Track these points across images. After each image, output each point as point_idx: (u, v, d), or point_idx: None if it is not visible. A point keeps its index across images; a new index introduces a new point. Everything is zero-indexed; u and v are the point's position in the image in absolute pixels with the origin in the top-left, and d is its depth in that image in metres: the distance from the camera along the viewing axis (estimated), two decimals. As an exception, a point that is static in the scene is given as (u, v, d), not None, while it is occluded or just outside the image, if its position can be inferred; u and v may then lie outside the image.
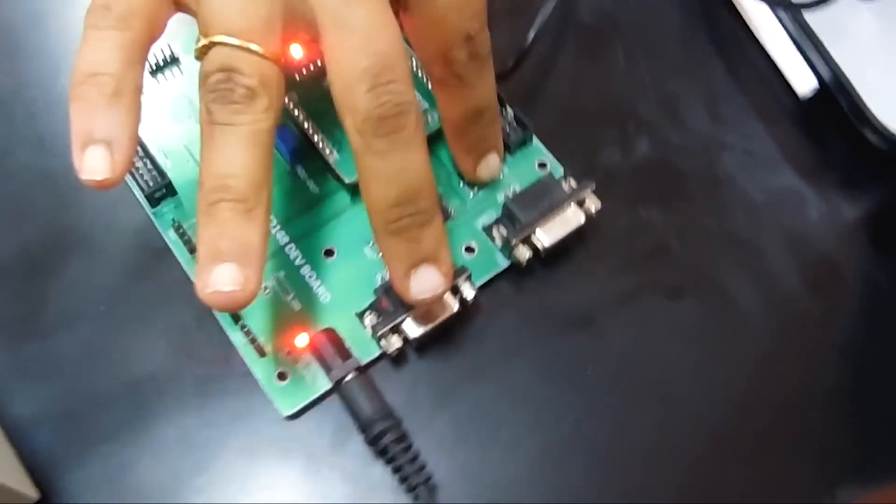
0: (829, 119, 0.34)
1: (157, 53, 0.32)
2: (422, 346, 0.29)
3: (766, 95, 0.34)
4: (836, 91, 0.33)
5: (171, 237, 0.30)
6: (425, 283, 0.26)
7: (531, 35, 0.31)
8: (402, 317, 0.27)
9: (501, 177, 0.31)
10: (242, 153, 0.23)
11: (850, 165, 0.33)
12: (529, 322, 0.30)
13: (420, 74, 0.31)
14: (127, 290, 0.29)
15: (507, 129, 0.31)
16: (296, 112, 0.30)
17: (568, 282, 0.30)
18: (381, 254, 0.27)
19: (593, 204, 0.30)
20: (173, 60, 0.33)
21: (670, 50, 0.35)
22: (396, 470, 0.26)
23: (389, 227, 0.25)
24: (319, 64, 0.31)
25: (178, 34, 0.33)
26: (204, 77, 0.24)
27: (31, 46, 0.34)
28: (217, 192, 0.23)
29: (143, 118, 0.31)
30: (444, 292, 0.27)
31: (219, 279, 0.23)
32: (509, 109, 0.31)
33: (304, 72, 0.31)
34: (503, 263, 0.30)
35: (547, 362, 0.29)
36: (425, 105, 0.31)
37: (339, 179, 0.30)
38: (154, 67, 0.32)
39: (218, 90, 0.23)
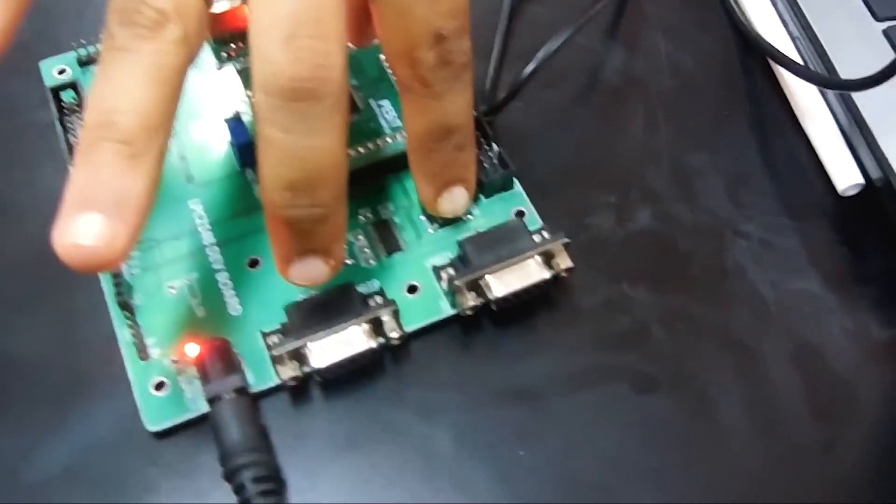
0: (871, 224, 0.29)
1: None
2: (329, 384, 0.25)
3: (800, 186, 0.30)
4: (883, 193, 0.28)
5: (89, 216, 0.27)
6: (307, 272, 0.23)
7: (529, 69, 0.28)
8: (306, 341, 0.23)
9: (470, 217, 0.27)
10: (137, 87, 0.20)
11: (889, 280, 0.28)
12: (462, 382, 0.25)
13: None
14: (24, 265, 0.27)
15: (488, 168, 0.28)
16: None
17: (520, 348, 0.26)
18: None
19: (563, 262, 0.25)
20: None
21: (698, 122, 0.31)
22: (249, 516, 0.22)
23: (277, 212, 0.22)
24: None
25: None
26: None
27: None
28: (100, 129, 0.20)
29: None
30: (327, 281, 0.24)
31: (80, 230, 0.19)
32: (495, 147, 0.28)
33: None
34: (448, 311, 0.26)
35: (472, 432, 0.24)
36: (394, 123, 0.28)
37: (281, 184, 0.27)
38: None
39: (124, 10, 0.20)
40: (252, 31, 0.21)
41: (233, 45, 0.31)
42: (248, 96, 0.28)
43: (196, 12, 0.21)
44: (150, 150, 0.20)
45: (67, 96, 0.29)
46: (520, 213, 0.28)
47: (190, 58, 0.21)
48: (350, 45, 0.28)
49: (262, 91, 0.21)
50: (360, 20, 0.25)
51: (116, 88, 0.20)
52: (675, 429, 0.25)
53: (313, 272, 0.23)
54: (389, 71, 0.29)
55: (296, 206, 0.21)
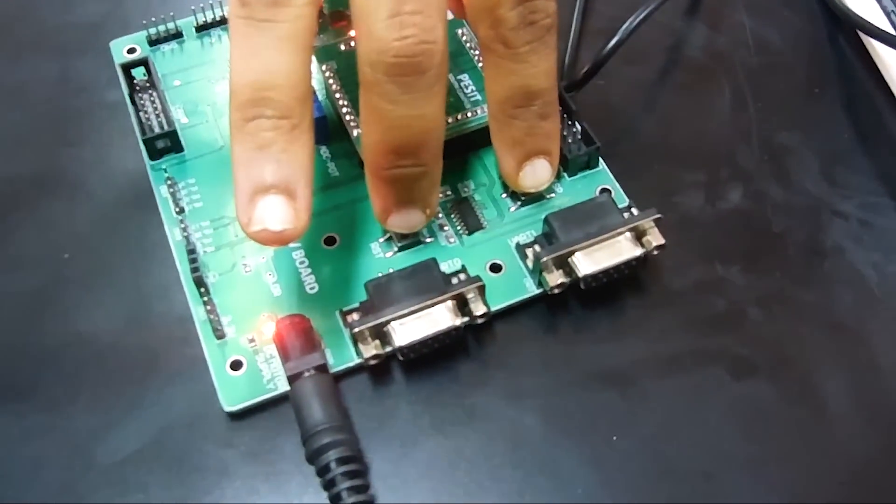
0: (979, 203, 0.27)
1: (206, 12, 0.30)
2: (411, 365, 0.24)
3: (900, 164, 0.28)
4: None
5: (161, 194, 0.27)
6: (406, 221, 0.24)
7: (611, 44, 0.27)
8: (389, 318, 0.23)
9: (553, 195, 0.27)
10: (284, 58, 0.20)
11: None
12: (550, 364, 0.24)
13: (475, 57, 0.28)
14: (98, 241, 0.26)
15: (572, 144, 0.27)
16: (330, 81, 0.27)
17: (609, 328, 0.25)
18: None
19: (655, 239, 0.24)
20: (223, 21, 0.30)
21: (788, 100, 0.30)
22: (334, 500, 0.21)
23: (381, 172, 0.22)
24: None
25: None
26: None
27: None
28: (255, 107, 0.20)
29: (174, 71, 0.29)
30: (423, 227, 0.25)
31: (265, 216, 0.20)
32: (578, 124, 0.27)
33: (351, 45, 0.28)
34: (532, 291, 0.25)
35: (563, 416, 0.23)
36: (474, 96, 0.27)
37: (359, 159, 0.26)
38: (200, 24, 0.30)
39: None
40: (356, 9, 0.21)
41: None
42: (324, 72, 0.27)
43: None
44: (305, 117, 0.21)
45: (138, 73, 0.28)
46: (605, 191, 0.27)
47: (316, 18, 0.21)
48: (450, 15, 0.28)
49: (370, 66, 0.21)
50: None
51: (263, 61, 0.20)
52: (776, 416, 0.24)
53: (413, 220, 0.24)
54: (468, 45, 0.28)
55: (400, 167, 0.22)
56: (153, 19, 0.30)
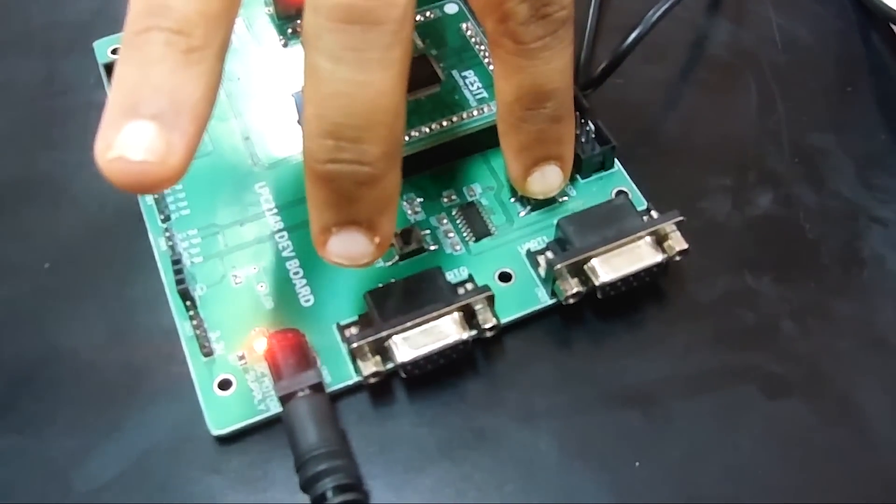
0: None
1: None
2: (414, 382, 0.22)
3: (943, 168, 0.27)
4: None
5: (145, 201, 0.25)
6: (346, 248, 0.20)
7: (629, 40, 0.26)
8: (390, 331, 0.21)
9: (566, 199, 0.25)
10: None
11: None
12: (565, 382, 0.23)
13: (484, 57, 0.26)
14: (80, 251, 0.25)
15: (585, 144, 0.25)
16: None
17: (629, 343, 0.23)
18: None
19: (677, 244, 0.23)
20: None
21: (819, 99, 0.29)
22: (330, 532, 0.19)
23: (317, 165, 0.19)
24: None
25: None
26: None
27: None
28: (149, 17, 0.17)
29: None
30: (370, 263, 0.20)
31: (127, 141, 0.17)
32: (591, 122, 0.26)
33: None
34: (545, 301, 0.23)
35: (580, 440, 0.22)
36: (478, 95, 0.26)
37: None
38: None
39: None
40: None
41: (298, 21, 0.30)
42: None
43: None
44: (210, 44, 0.18)
45: (123, 75, 0.27)
46: (621, 194, 0.25)
47: None
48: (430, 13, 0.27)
49: (312, 9, 0.18)
50: None
51: None
52: (815, 439, 0.22)
53: (354, 248, 0.20)
54: (473, 40, 0.27)
55: (338, 160, 0.19)
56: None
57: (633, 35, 0.26)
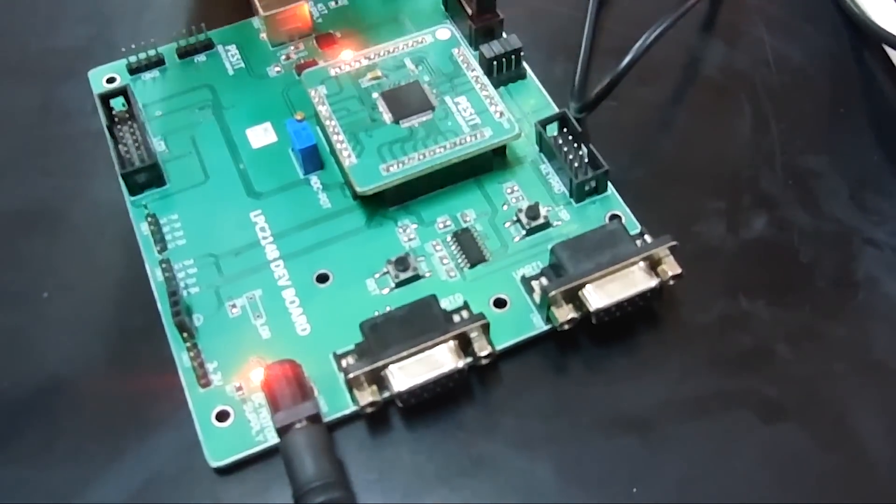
0: None
1: (189, 38, 0.30)
2: (411, 411, 0.23)
3: (935, 187, 0.27)
4: None
5: (141, 231, 0.26)
6: None
7: (624, 63, 0.26)
8: (386, 361, 0.22)
9: (560, 223, 0.26)
10: None
11: None
12: (562, 408, 0.23)
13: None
14: (79, 280, 0.26)
15: (578, 168, 0.26)
16: (321, 107, 0.26)
17: (625, 367, 0.24)
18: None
19: (671, 269, 0.24)
20: (206, 46, 0.30)
21: (812, 120, 0.29)
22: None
23: None
24: (357, 62, 0.28)
25: (216, 20, 0.31)
26: None
27: None
28: None
29: (156, 100, 0.28)
30: None
31: None
32: (584, 146, 0.26)
33: (341, 68, 0.27)
34: (540, 327, 0.24)
35: (578, 466, 0.22)
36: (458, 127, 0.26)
37: (352, 191, 0.25)
38: (183, 50, 0.30)
39: None
40: None
41: (291, 48, 0.30)
42: (313, 97, 0.27)
43: None
44: None
45: (117, 104, 0.28)
46: (614, 218, 0.26)
47: None
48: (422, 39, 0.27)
49: None
50: None
51: None
52: (810, 461, 0.23)
53: None
54: (465, 66, 0.27)
55: None
56: (133, 46, 0.29)
57: (628, 59, 0.27)
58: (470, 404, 0.23)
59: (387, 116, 0.26)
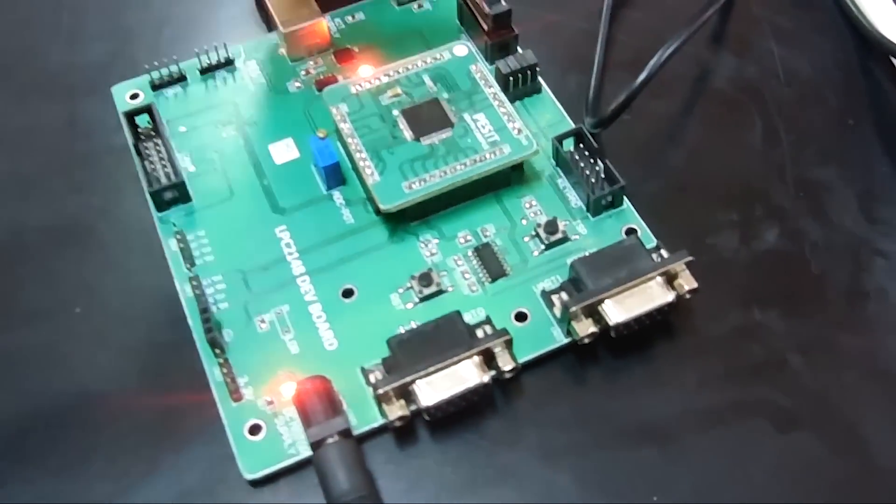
0: None
1: (210, 54, 0.30)
2: (437, 423, 0.24)
3: (942, 198, 0.28)
4: None
5: (170, 248, 0.27)
6: None
7: (641, 78, 0.27)
8: (414, 377, 0.23)
9: (577, 236, 0.27)
10: None
11: None
12: (584, 420, 0.24)
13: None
14: (110, 295, 0.27)
15: (594, 184, 0.27)
16: (343, 124, 0.27)
17: (642, 378, 0.25)
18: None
19: (687, 283, 0.24)
20: (227, 62, 0.31)
21: (823, 134, 0.30)
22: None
23: None
24: (377, 79, 0.28)
25: (235, 36, 0.31)
26: None
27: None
28: None
29: (179, 116, 0.29)
30: None
31: None
32: (601, 162, 0.27)
33: (361, 85, 0.28)
34: (560, 340, 0.25)
35: (599, 475, 0.23)
36: (480, 144, 0.27)
37: (376, 208, 0.26)
38: (205, 67, 0.30)
39: None
40: None
41: (311, 62, 0.31)
42: (334, 115, 0.27)
43: None
44: None
45: (142, 121, 0.28)
46: (630, 232, 0.27)
47: None
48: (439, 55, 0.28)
49: None
50: None
51: None
52: (824, 470, 0.23)
53: None
54: (482, 83, 0.28)
55: None
56: (156, 63, 0.30)
57: (643, 76, 0.28)
58: (493, 416, 0.24)
59: (407, 134, 0.27)
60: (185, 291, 0.26)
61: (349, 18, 0.32)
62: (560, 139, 0.28)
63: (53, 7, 0.34)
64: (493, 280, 0.26)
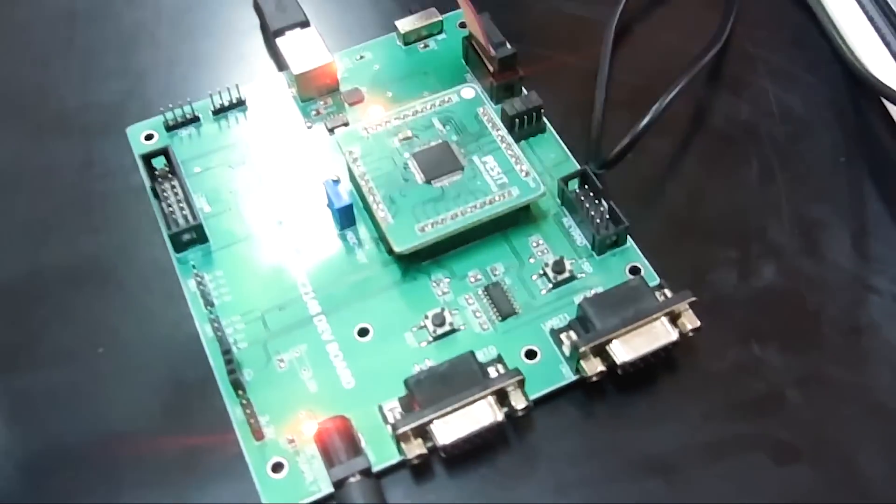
0: None
1: (223, 94, 0.31)
2: (453, 459, 0.25)
3: (932, 235, 0.30)
4: None
5: (189, 288, 0.28)
6: None
7: (645, 121, 0.29)
8: (431, 417, 0.24)
9: (583, 275, 0.28)
10: None
11: None
12: (592, 455, 0.25)
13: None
14: (131, 335, 0.27)
15: (599, 224, 0.28)
16: (356, 166, 0.28)
17: (648, 415, 0.26)
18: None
19: (690, 322, 0.26)
20: (239, 103, 0.32)
21: (816, 172, 0.31)
22: None
23: None
24: (387, 122, 0.29)
25: (245, 75, 0.32)
26: None
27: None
28: None
29: (193, 157, 0.30)
30: None
31: None
32: (605, 202, 0.28)
33: (372, 128, 0.29)
34: (569, 377, 0.26)
35: (607, 510, 0.24)
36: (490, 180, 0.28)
37: (389, 249, 0.27)
38: (217, 108, 0.31)
39: None
40: None
41: (321, 103, 0.32)
42: (346, 158, 0.29)
43: None
44: None
45: (158, 163, 0.29)
46: (635, 270, 0.28)
47: None
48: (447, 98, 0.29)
49: None
50: None
51: None
52: (822, 501, 0.25)
53: None
54: (490, 125, 0.29)
55: None
56: (170, 105, 0.31)
57: (647, 119, 0.29)
58: (506, 451, 0.25)
59: (419, 176, 0.28)
60: (205, 332, 0.27)
61: (356, 58, 0.33)
62: (566, 180, 0.29)
63: (66, 46, 0.35)
64: (503, 318, 0.27)
